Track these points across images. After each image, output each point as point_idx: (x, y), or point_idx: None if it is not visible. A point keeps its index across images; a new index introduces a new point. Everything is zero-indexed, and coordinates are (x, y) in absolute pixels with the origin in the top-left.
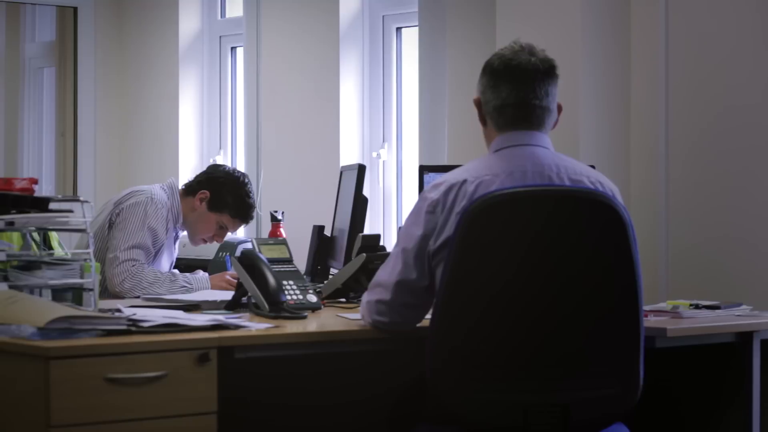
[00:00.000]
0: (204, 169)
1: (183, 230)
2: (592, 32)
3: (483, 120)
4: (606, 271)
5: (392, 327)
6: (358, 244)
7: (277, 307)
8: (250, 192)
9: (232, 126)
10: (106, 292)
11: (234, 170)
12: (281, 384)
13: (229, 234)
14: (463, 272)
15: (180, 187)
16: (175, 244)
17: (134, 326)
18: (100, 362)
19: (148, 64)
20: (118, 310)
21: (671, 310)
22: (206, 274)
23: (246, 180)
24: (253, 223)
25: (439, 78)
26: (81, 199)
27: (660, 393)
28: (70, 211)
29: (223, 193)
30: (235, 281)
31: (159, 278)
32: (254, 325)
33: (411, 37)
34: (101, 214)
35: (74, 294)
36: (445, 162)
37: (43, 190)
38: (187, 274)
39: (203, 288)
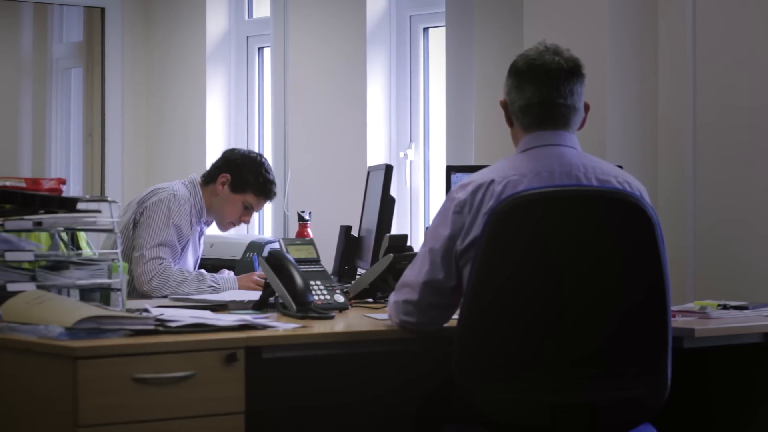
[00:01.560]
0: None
1: (207, 225)
2: (620, 32)
3: (510, 121)
4: (633, 272)
5: (419, 327)
6: (385, 244)
7: (304, 307)
8: (269, 169)
9: (259, 126)
10: (134, 292)
11: (249, 151)
12: (308, 384)
13: (256, 234)
14: (491, 272)
15: (199, 180)
16: (200, 240)
17: (162, 326)
18: (128, 362)
19: (176, 64)
20: (146, 310)
21: (699, 310)
22: (233, 275)
23: (263, 158)
24: (280, 223)
25: (466, 78)
26: (108, 199)
27: (688, 394)
28: (98, 211)
29: (243, 173)
30: (263, 281)
31: (186, 277)
32: (282, 325)
33: (438, 37)
34: (126, 214)
35: (102, 294)
36: (472, 162)
37: (71, 190)
38: (215, 274)
39: (231, 288)
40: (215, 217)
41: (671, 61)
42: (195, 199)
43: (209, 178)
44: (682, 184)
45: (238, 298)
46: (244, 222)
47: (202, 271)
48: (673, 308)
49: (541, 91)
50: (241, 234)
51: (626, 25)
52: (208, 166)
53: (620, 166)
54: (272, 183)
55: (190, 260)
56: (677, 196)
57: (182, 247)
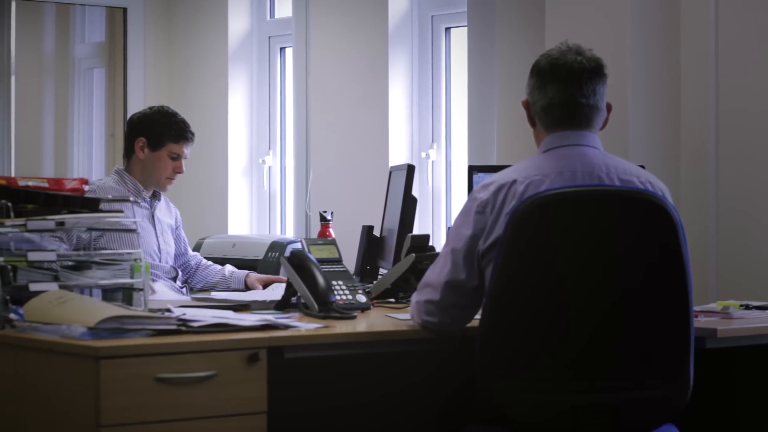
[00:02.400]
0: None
1: (158, 199)
2: (642, 32)
3: (532, 121)
4: (656, 272)
5: (441, 327)
6: (407, 244)
7: (326, 307)
8: (176, 113)
9: (281, 126)
10: None
11: (148, 108)
12: (330, 384)
13: (278, 234)
14: (513, 273)
15: (122, 166)
16: (164, 214)
17: (184, 326)
18: (150, 362)
19: (198, 64)
20: (168, 310)
21: (721, 310)
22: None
23: (165, 108)
24: (302, 223)
25: (488, 78)
26: (131, 199)
27: (711, 394)
28: (120, 211)
29: (155, 128)
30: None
31: None
32: (304, 325)
33: (460, 37)
34: None
35: (124, 294)
36: (494, 162)
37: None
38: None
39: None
40: (152, 182)
41: (694, 61)
42: (126, 182)
43: (127, 151)
44: (705, 184)
45: (260, 298)
46: (178, 172)
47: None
48: (696, 308)
49: (564, 91)
50: (263, 234)
51: (648, 25)
52: (230, 166)
53: (642, 166)
54: (185, 123)
55: (152, 241)
56: (699, 196)
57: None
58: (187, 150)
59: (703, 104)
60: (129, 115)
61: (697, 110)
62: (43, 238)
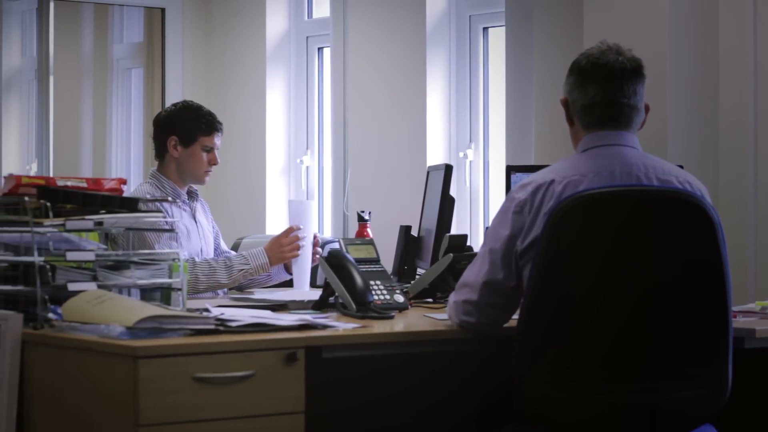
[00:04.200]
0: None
1: (195, 199)
2: (680, 31)
3: (570, 120)
4: (694, 272)
5: (479, 327)
6: (445, 244)
7: (364, 307)
8: (201, 105)
9: (319, 126)
10: None
11: (172, 105)
12: (368, 384)
13: (316, 234)
14: (551, 272)
15: (155, 168)
16: (200, 217)
17: (222, 326)
18: (188, 361)
19: (236, 64)
20: (206, 310)
21: (760, 310)
22: (261, 248)
23: (188, 102)
24: (340, 223)
25: (526, 77)
26: (169, 199)
27: (749, 394)
28: (159, 211)
29: (183, 125)
30: (294, 244)
31: (214, 267)
32: (341, 325)
33: (498, 36)
34: None
35: (162, 293)
36: (532, 162)
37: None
38: (244, 252)
39: (261, 262)
40: (189, 178)
41: (732, 60)
42: (163, 185)
43: (160, 151)
44: (744, 184)
45: (298, 298)
46: (214, 164)
47: (230, 254)
48: (734, 308)
49: (605, 91)
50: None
51: (686, 25)
52: (268, 166)
53: (681, 166)
54: (212, 115)
55: (193, 244)
56: (738, 196)
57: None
58: (219, 140)
59: (742, 104)
60: None
61: (735, 110)
62: (82, 239)
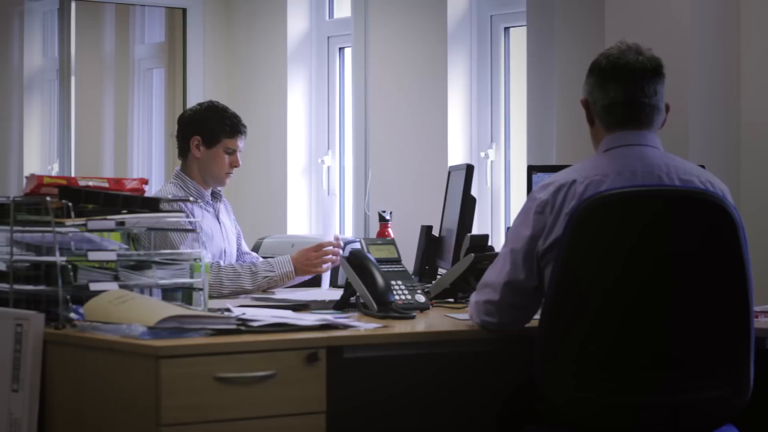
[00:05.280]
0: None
1: (219, 200)
2: (702, 31)
3: (591, 120)
4: (716, 272)
5: (500, 327)
6: (466, 244)
7: (385, 307)
8: (226, 107)
9: (340, 126)
10: None
11: (197, 104)
12: (390, 383)
13: (338, 234)
14: (572, 273)
15: (179, 168)
16: (225, 217)
17: (244, 326)
18: (210, 361)
19: (257, 64)
20: (228, 310)
21: None
22: (288, 256)
23: (214, 103)
24: (361, 222)
25: (547, 77)
26: (191, 199)
27: None
28: (181, 211)
29: (207, 125)
30: (321, 255)
31: (239, 272)
32: (363, 325)
33: (519, 36)
34: None
35: (184, 293)
36: (553, 162)
37: (153, 191)
38: (270, 259)
39: (286, 270)
40: (210, 179)
41: (754, 60)
42: (186, 186)
43: (183, 151)
44: (765, 184)
45: (319, 298)
46: (235, 166)
47: (255, 260)
48: (756, 309)
49: (626, 91)
50: (322, 234)
51: (709, 25)
52: (289, 166)
53: (702, 166)
54: (237, 117)
55: (216, 245)
56: (760, 196)
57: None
58: (242, 143)
59: (764, 104)
60: None
61: (757, 110)
62: (104, 238)
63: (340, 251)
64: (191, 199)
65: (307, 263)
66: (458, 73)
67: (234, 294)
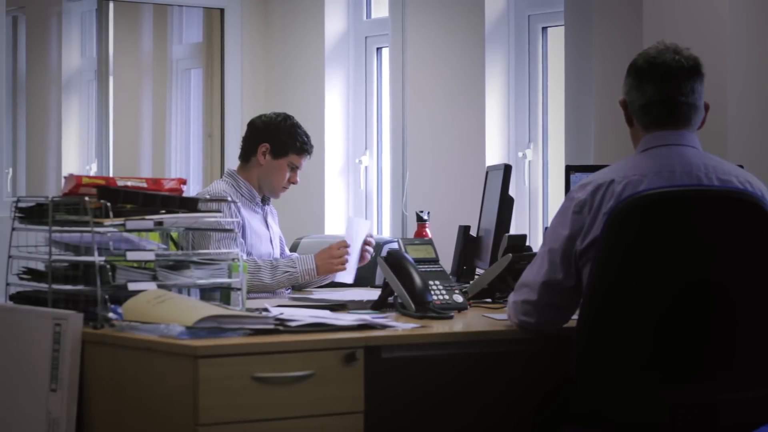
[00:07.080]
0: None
1: (268, 203)
2: (741, 31)
3: (629, 121)
4: (755, 272)
5: (538, 327)
6: (504, 244)
7: (423, 307)
8: (300, 125)
9: (378, 126)
10: None
11: (275, 114)
12: (427, 383)
13: (375, 234)
14: (611, 273)
15: (235, 168)
16: (273, 221)
17: (281, 326)
18: (248, 361)
19: (294, 64)
20: (266, 310)
21: None
22: (311, 255)
23: (291, 118)
24: (398, 222)
25: (585, 77)
26: (228, 199)
27: None
28: (219, 211)
29: (281, 137)
30: (344, 254)
31: (259, 266)
32: (401, 325)
33: (557, 36)
34: None
35: (222, 293)
36: (591, 162)
37: (191, 190)
38: (293, 256)
39: (308, 268)
40: (266, 188)
41: None
42: (240, 186)
43: (247, 154)
44: None
45: (356, 298)
46: (293, 183)
47: (277, 257)
48: None
49: (663, 90)
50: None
51: (747, 24)
52: (327, 167)
53: (741, 166)
54: (307, 137)
55: (264, 246)
56: None
57: (243, 237)
58: (305, 162)
59: None
60: (225, 115)
61: None
62: (142, 238)
63: (370, 249)
64: (228, 198)
65: (330, 261)
66: (496, 73)
67: (253, 288)
